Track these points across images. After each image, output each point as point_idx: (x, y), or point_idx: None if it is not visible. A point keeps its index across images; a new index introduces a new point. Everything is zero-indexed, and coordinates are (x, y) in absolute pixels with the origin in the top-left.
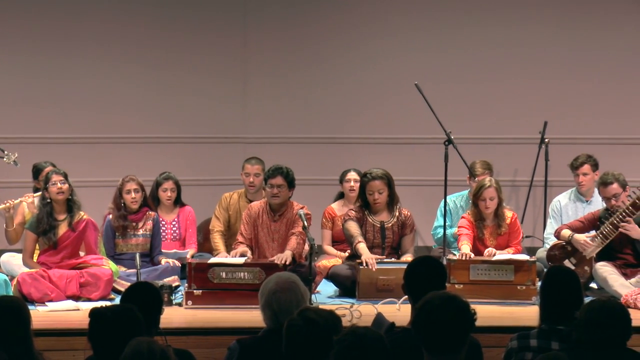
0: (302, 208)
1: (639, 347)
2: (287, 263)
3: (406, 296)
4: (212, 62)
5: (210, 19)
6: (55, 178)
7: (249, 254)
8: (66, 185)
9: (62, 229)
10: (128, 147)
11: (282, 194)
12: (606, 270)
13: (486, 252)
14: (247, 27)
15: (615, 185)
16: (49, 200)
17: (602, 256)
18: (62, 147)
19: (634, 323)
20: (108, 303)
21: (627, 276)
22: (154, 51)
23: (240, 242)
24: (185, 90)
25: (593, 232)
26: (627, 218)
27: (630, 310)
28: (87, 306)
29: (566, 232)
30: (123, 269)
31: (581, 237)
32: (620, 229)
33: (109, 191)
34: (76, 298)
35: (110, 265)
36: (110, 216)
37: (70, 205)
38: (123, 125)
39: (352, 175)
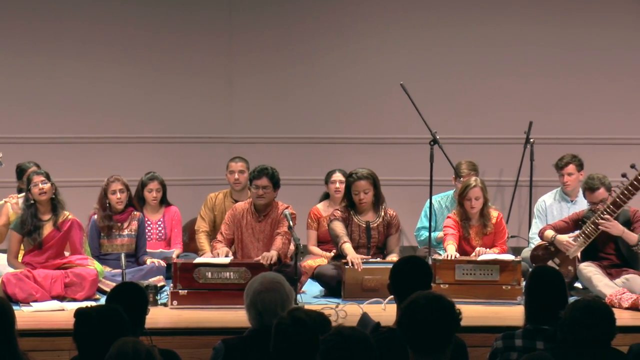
0: (286, 208)
1: (624, 347)
2: (273, 262)
3: (392, 296)
4: (198, 61)
5: (196, 18)
6: (37, 179)
7: (230, 253)
8: (48, 185)
9: (47, 229)
10: (113, 147)
11: (267, 194)
12: (590, 270)
13: (476, 250)
14: (232, 26)
15: (602, 190)
16: (32, 202)
17: (586, 256)
18: (47, 147)
19: (619, 323)
20: (93, 303)
21: (611, 276)
22: (138, 50)
23: (219, 241)
24: (170, 90)
25: (577, 232)
26: (606, 216)
27: (615, 310)
28: (72, 306)
29: (549, 233)
30: (108, 269)
31: (563, 238)
32: (601, 227)
33: (94, 191)
34: (61, 298)
35: (95, 265)
36: (96, 216)
37: (55, 205)
38: (108, 125)
39: (338, 176)
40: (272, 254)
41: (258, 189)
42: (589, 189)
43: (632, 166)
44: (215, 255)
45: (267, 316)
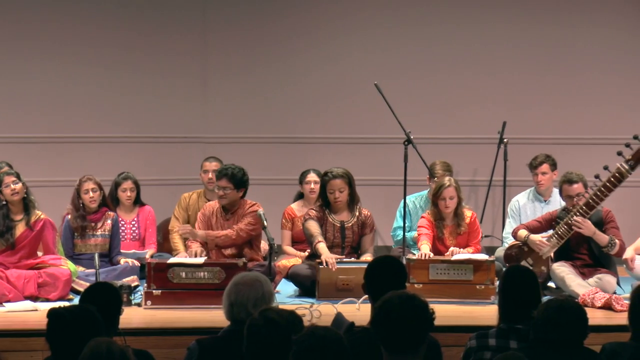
0: (253, 205)
1: (597, 346)
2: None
3: (366, 296)
4: (172, 61)
5: (170, 18)
6: (8, 179)
7: (204, 253)
8: (19, 185)
9: (20, 229)
10: (87, 146)
11: (228, 195)
12: (563, 270)
13: (450, 250)
14: (207, 27)
15: (580, 185)
16: (4, 202)
17: (559, 256)
18: (19, 147)
19: (591, 322)
20: (67, 303)
21: (584, 276)
22: (113, 50)
23: (194, 241)
24: (145, 90)
25: (550, 232)
26: (579, 217)
27: (587, 310)
28: (46, 306)
29: (523, 233)
30: (82, 269)
31: (537, 238)
32: (573, 227)
33: (67, 191)
34: (34, 298)
35: (68, 266)
36: (69, 216)
37: (27, 205)
38: (82, 125)
39: (312, 176)
40: (196, 232)
41: (220, 190)
42: (568, 181)
43: (605, 168)
44: (189, 254)
45: (237, 308)
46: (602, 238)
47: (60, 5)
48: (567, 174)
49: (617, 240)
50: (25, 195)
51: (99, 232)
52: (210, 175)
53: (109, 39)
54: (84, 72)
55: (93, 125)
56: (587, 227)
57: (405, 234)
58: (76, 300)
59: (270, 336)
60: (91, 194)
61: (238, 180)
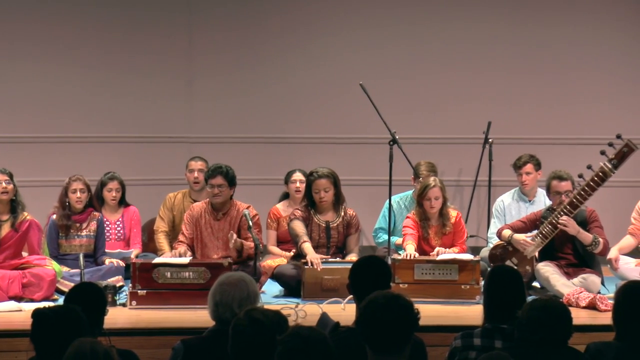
0: (247, 207)
1: (581, 346)
2: (237, 247)
3: (351, 296)
4: (157, 61)
5: (156, 18)
6: (1, 178)
7: (188, 253)
8: (11, 186)
9: (5, 229)
10: (72, 146)
11: (223, 193)
12: (548, 270)
13: (435, 250)
14: (192, 27)
15: (568, 183)
16: None
17: (544, 256)
18: (4, 147)
19: (576, 322)
20: (51, 304)
21: (569, 275)
22: (98, 51)
23: (181, 242)
24: (129, 90)
25: (534, 232)
26: (564, 217)
27: (572, 309)
28: (30, 307)
29: (507, 232)
30: (66, 269)
31: (521, 237)
32: (559, 226)
33: (52, 191)
34: (19, 299)
35: (53, 266)
36: (54, 216)
37: (14, 206)
38: (66, 125)
39: (298, 176)
40: (239, 241)
41: (213, 188)
42: (557, 177)
43: (589, 167)
44: (174, 255)
45: (222, 308)
46: (586, 237)
47: (45, 7)
48: (557, 171)
49: (600, 239)
50: (14, 197)
51: (83, 233)
52: (196, 174)
53: (93, 39)
54: (68, 72)
55: (78, 125)
56: (571, 226)
57: (389, 237)
58: (61, 301)
59: (255, 336)
60: (79, 194)
61: (231, 177)
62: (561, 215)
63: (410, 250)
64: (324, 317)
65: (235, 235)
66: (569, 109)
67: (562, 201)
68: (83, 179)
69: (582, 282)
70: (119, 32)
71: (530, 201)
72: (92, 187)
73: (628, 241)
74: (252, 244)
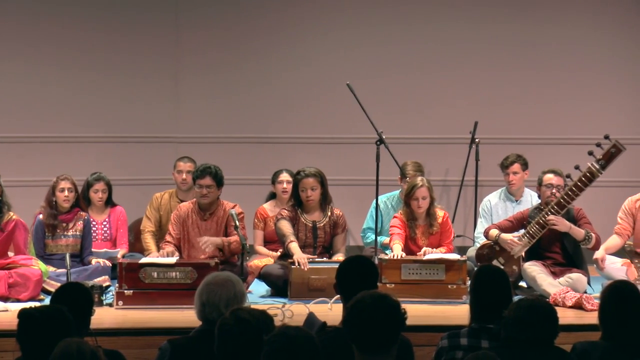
0: (233, 207)
1: (567, 345)
2: (212, 249)
3: (338, 295)
4: (144, 61)
5: (143, 18)
6: None
7: (176, 254)
8: None
9: None
10: (58, 146)
11: (211, 193)
12: (535, 269)
13: (422, 250)
14: (179, 27)
15: (561, 179)
16: None
17: (531, 255)
18: None
19: (562, 321)
20: (37, 304)
21: (555, 275)
22: (85, 51)
23: (168, 242)
24: (117, 90)
25: (521, 232)
26: (551, 215)
27: (558, 309)
28: (16, 307)
29: (494, 232)
30: (53, 269)
31: (507, 237)
32: (549, 224)
33: (39, 191)
34: (5, 299)
35: (39, 266)
36: (41, 215)
37: (0, 206)
38: (53, 125)
39: (285, 176)
40: (214, 239)
41: (202, 188)
42: (552, 171)
43: (576, 167)
44: (161, 255)
45: (209, 309)
46: (578, 232)
47: (31, 7)
48: (552, 168)
49: (593, 235)
50: (0, 197)
51: (70, 233)
52: (184, 176)
53: (80, 39)
54: (55, 72)
55: (65, 125)
56: (561, 224)
57: (376, 237)
58: (47, 301)
59: (242, 336)
60: (66, 193)
61: (220, 178)
62: (549, 215)
63: (397, 250)
64: (310, 317)
65: (205, 239)
66: (557, 109)
67: (551, 196)
68: (71, 179)
69: (568, 281)
70: (106, 32)
71: (517, 201)
72: (79, 187)
73: (614, 241)
74: (231, 238)
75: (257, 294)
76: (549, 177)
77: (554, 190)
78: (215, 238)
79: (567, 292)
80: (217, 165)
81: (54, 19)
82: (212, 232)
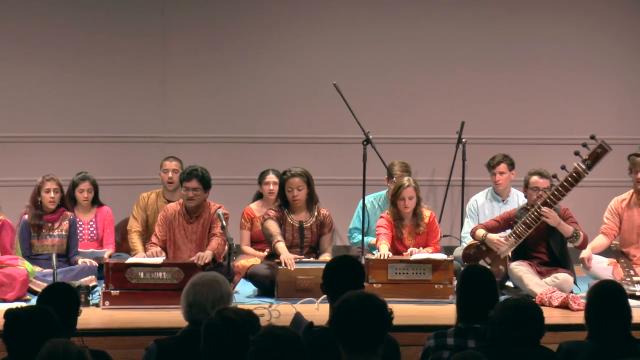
0: (219, 208)
1: (554, 345)
2: (207, 262)
3: (325, 295)
4: (131, 61)
5: (130, 19)
6: None
7: (162, 254)
8: None
9: None
10: (45, 146)
11: (197, 196)
12: (521, 269)
13: (409, 250)
14: (165, 27)
15: (547, 181)
16: None
17: (517, 255)
18: None
19: (548, 321)
20: (24, 304)
21: (542, 275)
22: (72, 51)
23: (154, 243)
24: (104, 90)
25: (508, 232)
26: (544, 208)
27: (545, 309)
28: (2, 307)
29: (480, 232)
30: (39, 269)
31: (494, 237)
32: (542, 218)
33: (24, 191)
34: None
35: (25, 266)
36: (26, 216)
37: None
38: (39, 125)
39: (272, 177)
40: (207, 254)
41: (188, 191)
42: (538, 173)
43: (563, 167)
44: (148, 255)
45: (195, 309)
46: (567, 229)
47: (18, 8)
48: (538, 169)
49: (581, 232)
50: None
51: (55, 233)
52: (170, 174)
53: (67, 39)
54: (42, 72)
55: (51, 125)
56: (553, 217)
57: (363, 237)
58: (33, 301)
59: (228, 335)
60: (52, 194)
61: (207, 181)
62: (536, 215)
63: (383, 250)
64: (297, 317)
65: (199, 255)
66: (543, 109)
67: (537, 199)
68: (56, 179)
69: (554, 281)
70: (93, 32)
71: (503, 201)
72: (64, 187)
73: (601, 241)
74: (213, 245)
75: (243, 294)
76: (535, 180)
77: (540, 193)
78: (207, 252)
79: (554, 291)
80: (204, 165)
81: (40, 20)
82: (198, 235)
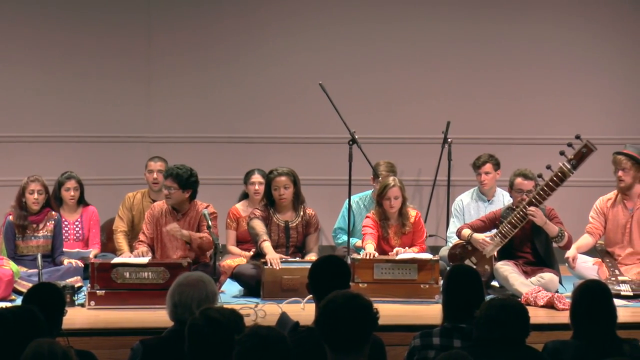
0: (206, 207)
1: (539, 344)
2: (176, 234)
3: (310, 295)
4: (117, 61)
5: (115, 19)
6: None
7: (148, 254)
8: None
9: None
10: (30, 146)
11: (173, 195)
12: (507, 269)
13: (395, 250)
14: (151, 28)
15: (532, 182)
16: None
17: (503, 255)
18: None
19: (534, 320)
20: (9, 304)
21: (527, 274)
22: (57, 51)
23: (142, 242)
24: (89, 90)
25: (494, 231)
26: (531, 207)
27: (530, 308)
28: None
29: (466, 232)
30: (24, 269)
31: (480, 237)
32: (528, 216)
33: (10, 191)
34: None
35: (10, 266)
36: (11, 217)
37: None
38: (25, 125)
39: (257, 177)
40: (182, 232)
41: (165, 189)
42: (522, 175)
43: (548, 167)
44: (134, 255)
45: (181, 309)
46: (553, 229)
47: (6, 6)
48: (522, 169)
49: (566, 233)
50: None
51: (40, 233)
52: (155, 175)
53: (52, 39)
54: (26, 72)
55: (36, 125)
56: (539, 217)
57: (349, 237)
58: (19, 301)
59: (212, 335)
60: (36, 195)
61: (183, 180)
62: (521, 214)
63: (369, 249)
64: (283, 317)
65: (173, 225)
66: (529, 109)
67: (522, 200)
68: (41, 180)
69: (540, 281)
70: (78, 33)
71: (489, 201)
72: (50, 187)
73: (586, 240)
74: (201, 234)
75: (229, 294)
76: (519, 182)
77: (524, 196)
78: (183, 230)
79: (539, 291)
80: (189, 164)
81: (25, 20)
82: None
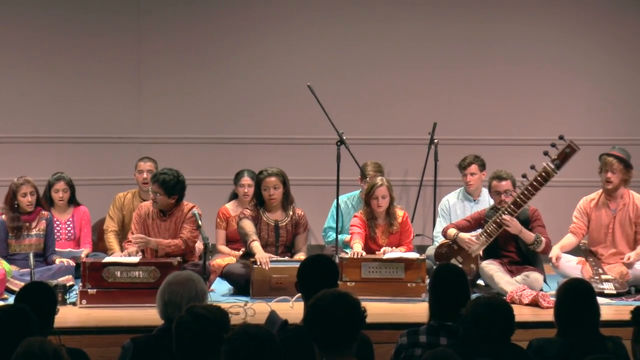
0: (193, 207)
1: (524, 342)
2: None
3: (299, 294)
4: (107, 62)
5: (105, 20)
6: None
7: (139, 253)
8: None
9: None
10: (21, 147)
11: (159, 200)
12: (492, 268)
13: (382, 249)
14: (141, 28)
15: (508, 182)
16: None
17: (488, 254)
18: None
19: (519, 318)
20: (1, 303)
21: (512, 273)
22: (48, 51)
23: (130, 242)
24: (80, 91)
25: (479, 231)
26: (506, 215)
27: (515, 306)
28: None
29: (452, 231)
30: (16, 268)
31: (465, 236)
32: (503, 225)
33: (0, 191)
34: None
35: (3, 265)
36: (3, 217)
37: None
38: (15, 125)
39: (246, 180)
40: (150, 240)
41: (151, 193)
42: (497, 177)
43: (532, 167)
44: (125, 254)
45: (170, 308)
46: (528, 236)
47: None
48: (497, 172)
49: (542, 238)
50: None
51: (33, 232)
52: (145, 175)
53: (43, 40)
54: (17, 73)
55: (27, 125)
56: (514, 226)
57: (337, 237)
58: (11, 300)
59: (201, 332)
60: (29, 197)
61: (169, 187)
62: (505, 215)
63: (357, 248)
64: (272, 315)
65: (139, 235)
66: (513, 110)
67: (504, 200)
68: (31, 182)
69: (525, 279)
70: (69, 34)
71: (474, 200)
72: (40, 187)
73: (569, 239)
74: (171, 242)
75: (219, 293)
76: (495, 184)
77: (503, 197)
78: (150, 239)
79: (524, 290)
80: (178, 165)
81: (14, 20)
82: (171, 232)
